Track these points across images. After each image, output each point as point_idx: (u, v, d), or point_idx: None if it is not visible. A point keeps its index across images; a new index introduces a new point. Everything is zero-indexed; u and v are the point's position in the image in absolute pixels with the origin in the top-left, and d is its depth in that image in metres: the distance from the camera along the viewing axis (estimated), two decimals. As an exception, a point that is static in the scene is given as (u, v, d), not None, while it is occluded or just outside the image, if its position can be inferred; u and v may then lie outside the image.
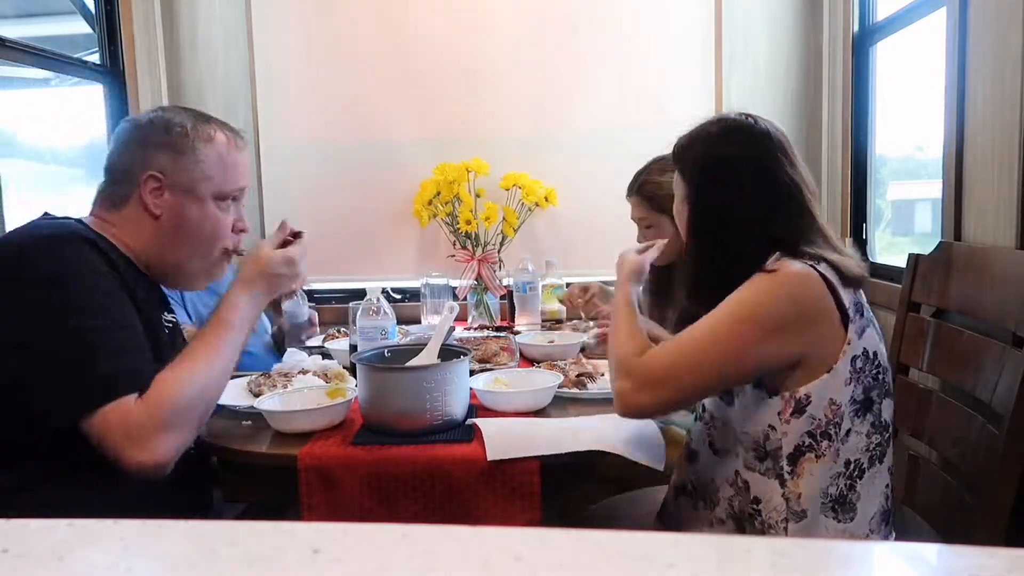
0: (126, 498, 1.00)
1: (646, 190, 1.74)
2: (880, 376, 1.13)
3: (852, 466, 1.11)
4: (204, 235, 1.26)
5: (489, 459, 1.16)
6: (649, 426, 1.26)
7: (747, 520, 1.15)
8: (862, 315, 1.11)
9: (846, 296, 1.08)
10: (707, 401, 1.23)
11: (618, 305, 1.28)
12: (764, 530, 1.13)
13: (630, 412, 1.13)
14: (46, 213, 1.23)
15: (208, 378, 1.12)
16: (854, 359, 1.10)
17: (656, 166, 1.73)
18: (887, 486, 1.16)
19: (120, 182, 1.24)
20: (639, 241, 1.77)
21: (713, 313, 1.09)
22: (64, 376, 1.04)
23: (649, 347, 1.16)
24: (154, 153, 1.22)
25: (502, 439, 1.21)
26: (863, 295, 1.14)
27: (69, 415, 1.03)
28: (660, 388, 1.10)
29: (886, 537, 1.15)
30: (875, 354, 1.12)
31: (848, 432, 1.10)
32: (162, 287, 1.33)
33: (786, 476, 1.11)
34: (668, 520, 1.30)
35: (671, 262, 1.69)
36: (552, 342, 1.86)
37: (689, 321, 1.13)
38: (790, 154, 1.15)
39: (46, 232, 1.13)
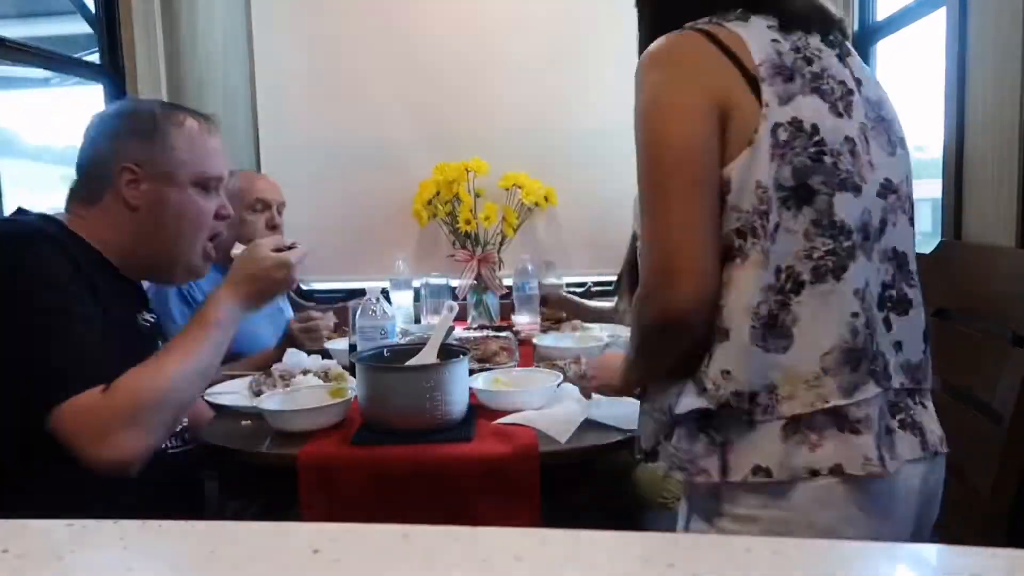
0: (116, 499, 0.99)
1: None
2: (824, 158, 0.87)
3: (784, 276, 0.86)
4: (186, 222, 1.23)
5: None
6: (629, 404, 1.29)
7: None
8: (792, 77, 0.88)
9: (759, 50, 0.89)
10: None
11: (623, 378, 1.12)
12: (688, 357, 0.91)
13: (681, 318, 0.88)
14: (20, 209, 1.20)
15: (180, 377, 1.07)
16: (776, 129, 0.86)
17: None
18: (856, 316, 0.88)
19: (94, 178, 1.21)
20: None
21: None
22: (17, 375, 1.01)
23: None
24: (126, 144, 1.20)
25: (551, 423, 1.26)
26: (825, 55, 0.93)
27: (29, 415, 0.99)
28: (672, 271, 0.87)
29: (855, 388, 0.87)
30: (814, 127, 0.87)
31: (777, 227, 0.86)
32: (143, 287, 1.31)
33: None
34: None
35: None
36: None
37: None
38: None
39: (5, 230, 1.11)
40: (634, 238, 2.03)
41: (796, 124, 0.87)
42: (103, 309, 1.11)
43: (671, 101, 0.89)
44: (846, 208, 0.88)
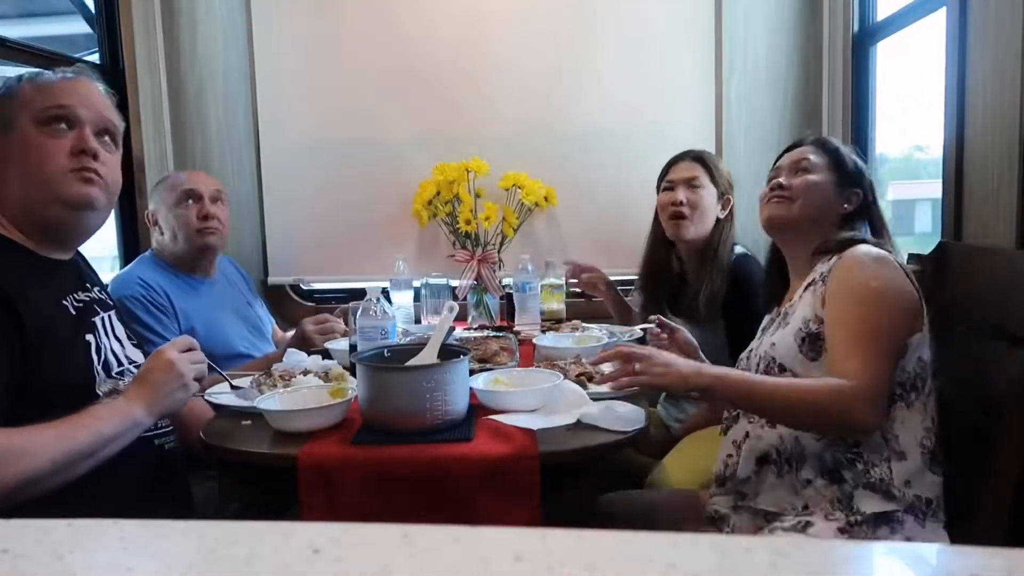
0: (101, 501, 1.00)
1: (710, 161, 1.98)
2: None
3: (936, 424, 1.23)
4: (31, 164, 1.18)
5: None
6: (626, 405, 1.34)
7: (846, 467, 1.21)
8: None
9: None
10: (786, 360, 1.28)
11: (727, 385, 1.22)
12: (867, 471, 1.19)
13: (870, 431, 1.20)
14: None
15: (37, 459, 1.00)
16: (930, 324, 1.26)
17: (713, 156, 2.03)
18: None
19: None
20: (672, 202, 1.93)
21: (851, 311, 1.21)
22: None
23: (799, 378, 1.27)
24: None
25: (551, 422, 1.28)
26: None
27: None
28: (880, 398, 1.16)
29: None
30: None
31: (930, 392, 1.24)
32: (77, 265, 1.29)
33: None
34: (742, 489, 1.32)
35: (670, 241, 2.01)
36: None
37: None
38: None
39: None
40: (655, 242, 2.06)
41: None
42: (16, 311, 1.08)
43: (898, 294, 1.23)
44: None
